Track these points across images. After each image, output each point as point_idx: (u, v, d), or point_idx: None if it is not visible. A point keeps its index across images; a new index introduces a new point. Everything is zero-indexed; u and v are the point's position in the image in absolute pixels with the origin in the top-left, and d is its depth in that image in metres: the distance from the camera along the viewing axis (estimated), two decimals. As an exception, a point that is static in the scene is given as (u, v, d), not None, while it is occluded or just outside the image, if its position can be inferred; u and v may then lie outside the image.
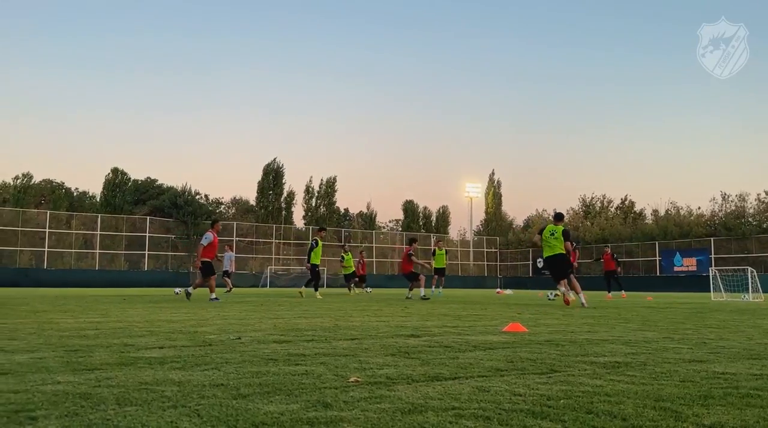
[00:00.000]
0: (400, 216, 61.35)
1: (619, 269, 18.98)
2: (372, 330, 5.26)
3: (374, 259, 51.04)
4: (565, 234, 12.85)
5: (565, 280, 11.88)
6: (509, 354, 3.74)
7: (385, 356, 3.57)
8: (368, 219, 55.57)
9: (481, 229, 61.58)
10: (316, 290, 16.04)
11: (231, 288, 20.69)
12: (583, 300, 11.49)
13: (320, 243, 16.16)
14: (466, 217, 66.30)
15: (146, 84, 78.87)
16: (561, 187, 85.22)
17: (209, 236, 12.41)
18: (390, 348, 3.98)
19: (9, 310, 7.92)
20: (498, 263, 56.46)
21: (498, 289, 32.98)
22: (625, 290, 18.05)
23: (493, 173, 61.33)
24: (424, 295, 14.71)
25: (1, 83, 69.46)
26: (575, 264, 15.22)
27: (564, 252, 12.11)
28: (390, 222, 72.59)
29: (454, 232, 62.83)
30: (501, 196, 61.15)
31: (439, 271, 19.63)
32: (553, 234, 12.84)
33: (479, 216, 62.48)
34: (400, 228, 60.30)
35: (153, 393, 2.41)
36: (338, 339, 4.52)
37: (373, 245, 51.56)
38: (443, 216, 58.53)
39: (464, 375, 2.92)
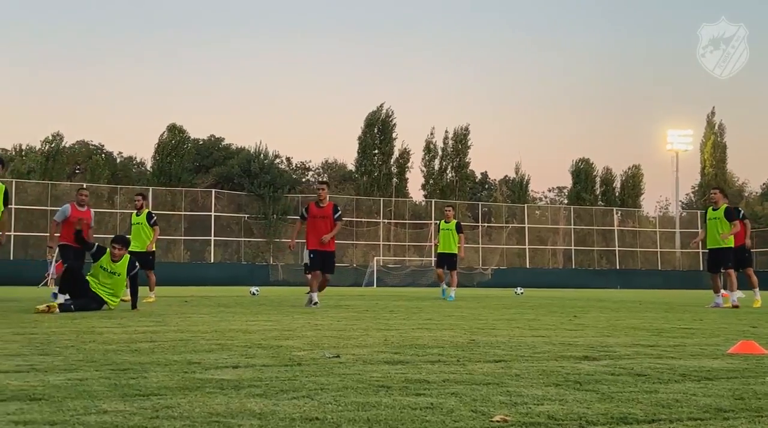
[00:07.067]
0: (566, 182, 60.23)
1: None
2: (525, 349, 5.22)
3: (527, 246, 50.56)
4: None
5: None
6: (738, 387, 3.59)
7: (545, 386, 3.54)
8: (517, 188, 54.91)
9: (694, 200, 58.99)
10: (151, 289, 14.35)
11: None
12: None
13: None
14: (669, 182, 63.62)
15: (203, 20, 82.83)
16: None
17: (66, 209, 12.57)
18: (552, 374, 3.94)
19: (39, 316, 8.71)
20: (719, 251, 53.88)
21: (722, 291, 31.47)
22: None
23: (712, 113, 58.43)
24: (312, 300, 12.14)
25: (25, 27, 76.03)
26: (747, 242, 14.34)
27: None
28: (550, 191, 71.62)
29: (650, 205, 60.70)
30: (725, 147, 58.06)
31: (445, 259, 17.12)
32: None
33: (691, 179, 60.06)
34: (566, 200, 59.15)
35: (227, 427, 2.55)
36: (476, 360, 4.54)
37: (526, 225, 51.06)
38: (633, 181, 56.51)
39: (667, 418, 2.84)
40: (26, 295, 16.07)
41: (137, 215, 14.24)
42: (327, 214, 12.39)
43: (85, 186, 13.54)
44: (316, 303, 11.92)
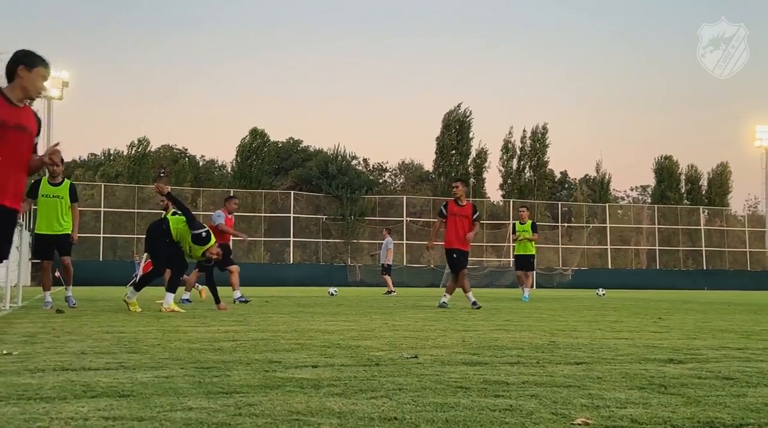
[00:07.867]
0: (649, 181, 58.99)
1: None
2: (607, 351, 5.15)
3: (608, 246, 49.66)
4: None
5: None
6: (832, 392, 3.44)
7: (628, 389, 3.49)
8: (598, 187, 53.93)
9: (784, 198, 57.03)
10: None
11: (393, 290, 21.31)
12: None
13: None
14: (757, 180, 61.69)
15: (283, 24, 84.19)
16: None
17: (221, 215, 13.19)
18: (636, 377, 3.88)
19: (127, 316, 9.02)
20: (812, 250, 51.73)
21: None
22: None
23: (800, 108, 56.37)
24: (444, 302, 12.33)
25: (111, 35, 78.79)
26: None
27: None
28: (632, 190, 70.24)
29: (737, 204, 58.88)
30: (818, 142, 55.93)
31: (523, 262, 17.23)
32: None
33: (781, 176, 57.86)
34: (649, 199, 57.87)
35: (307, 425, 2.60)
36: (556, 362, 4.49)
37: (607, 225, 50.13)
38: (720, 179, 54.89)
39: (756, 422, 2.77)
40: (115, 295, 16.62)
41: (171, 215, 14.11)
42: (467, 213, 12.37)
43: (233, 193, 14.19)
44: (445, 303, 12.05)
